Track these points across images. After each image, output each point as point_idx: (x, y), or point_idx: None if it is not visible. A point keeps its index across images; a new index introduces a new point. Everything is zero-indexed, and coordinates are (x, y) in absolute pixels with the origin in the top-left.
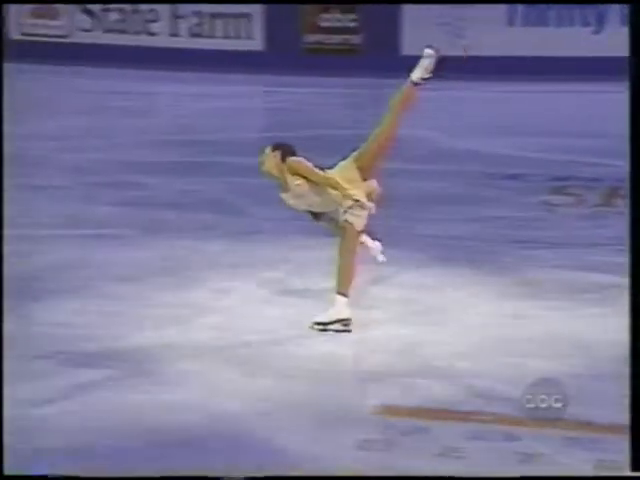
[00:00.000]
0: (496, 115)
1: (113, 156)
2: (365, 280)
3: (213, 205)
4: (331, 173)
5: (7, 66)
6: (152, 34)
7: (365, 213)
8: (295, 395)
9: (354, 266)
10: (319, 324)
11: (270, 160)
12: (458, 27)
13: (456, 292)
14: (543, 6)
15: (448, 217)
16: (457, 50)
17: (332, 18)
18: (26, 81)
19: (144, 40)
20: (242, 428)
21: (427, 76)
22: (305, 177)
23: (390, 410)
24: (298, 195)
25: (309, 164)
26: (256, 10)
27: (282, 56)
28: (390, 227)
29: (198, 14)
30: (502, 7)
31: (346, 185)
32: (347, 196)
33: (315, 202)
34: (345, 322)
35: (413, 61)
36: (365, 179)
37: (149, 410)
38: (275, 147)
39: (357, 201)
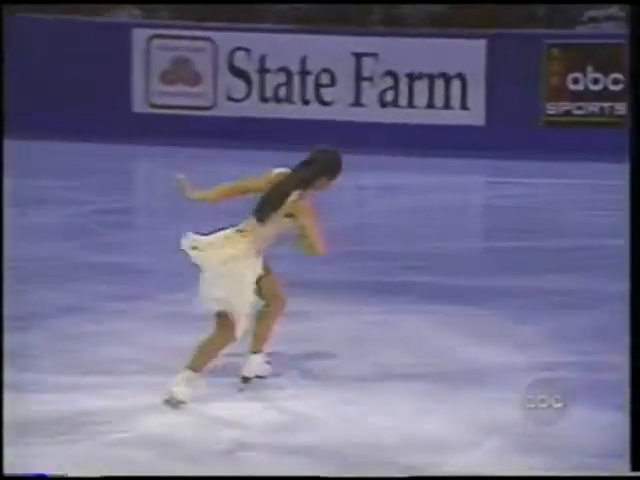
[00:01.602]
0: None
1: None
2: None
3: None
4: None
5: (130, 148)
6: (326, 103)
7: None
8: None
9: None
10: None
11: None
12: None
13: None
14: None
15: None
16: None
17: (587, 79)
18: (157, 167)
19: (315, 112)
20: None
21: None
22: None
23: None
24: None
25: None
26: (474, 70)
27: (512, 133)
28: None
29: (391, 75)
30: None
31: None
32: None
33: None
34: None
35: None
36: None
37: None
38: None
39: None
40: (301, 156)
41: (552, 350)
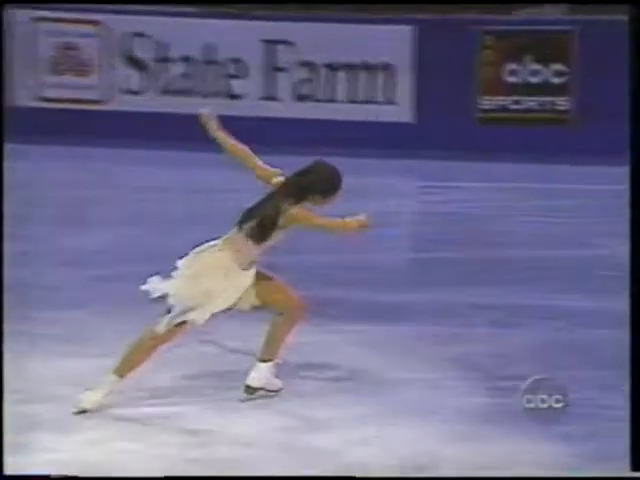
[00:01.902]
0: None
1: None
2: None
3: None
4: None
5: (10, 147)
6: (235, 96)
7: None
8: None
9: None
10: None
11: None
12: None
13: None
14: None
15: None
16: None
17: (525, 70)
18: (41, 170)
19: (223, 106)
20: None
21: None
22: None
23: None
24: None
25: None
26: (401, 60)
27: (444, 131)
28: None
29: (308, 65)
30: None
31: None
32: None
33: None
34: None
35: None
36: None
37: None
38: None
39: None
40: (203, 156)
41: (488, 373)
